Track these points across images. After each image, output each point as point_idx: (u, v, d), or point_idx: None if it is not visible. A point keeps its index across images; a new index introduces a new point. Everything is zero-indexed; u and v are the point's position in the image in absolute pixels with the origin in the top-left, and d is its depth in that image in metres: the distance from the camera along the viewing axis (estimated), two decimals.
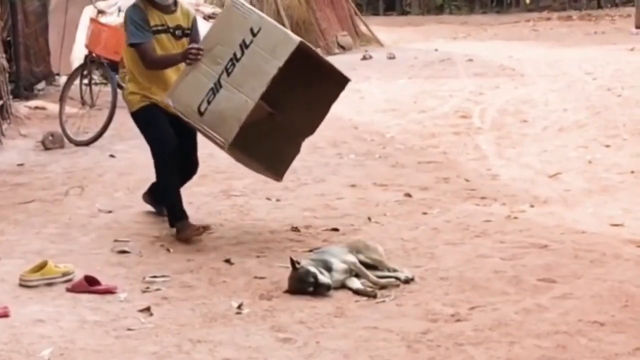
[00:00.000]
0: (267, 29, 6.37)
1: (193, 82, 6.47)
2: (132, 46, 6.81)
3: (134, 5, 6.89)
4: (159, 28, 6.85)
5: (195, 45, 6.59)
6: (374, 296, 5.49)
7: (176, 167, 6.80)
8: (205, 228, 6.68)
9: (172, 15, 6.93)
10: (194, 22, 7.07)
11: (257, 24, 6.37)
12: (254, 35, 6.34)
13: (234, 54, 6.37)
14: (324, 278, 5.54)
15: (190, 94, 6.46)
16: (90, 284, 5.61)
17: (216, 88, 6.39)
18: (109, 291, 5.58)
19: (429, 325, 5.02)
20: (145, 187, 7.51)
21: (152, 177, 7.17)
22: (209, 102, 6.39)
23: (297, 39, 6.33)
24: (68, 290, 5.61)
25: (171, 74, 6.84)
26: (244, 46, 6.36)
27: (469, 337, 4.84)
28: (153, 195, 7.35)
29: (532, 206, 7.52)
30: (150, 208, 7.38)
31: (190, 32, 6.99)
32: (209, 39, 6.55)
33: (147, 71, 6.84)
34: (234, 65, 6.37)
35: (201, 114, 6.41)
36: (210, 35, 6.57)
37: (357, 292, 5.56)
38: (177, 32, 6.95)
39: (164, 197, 6.94)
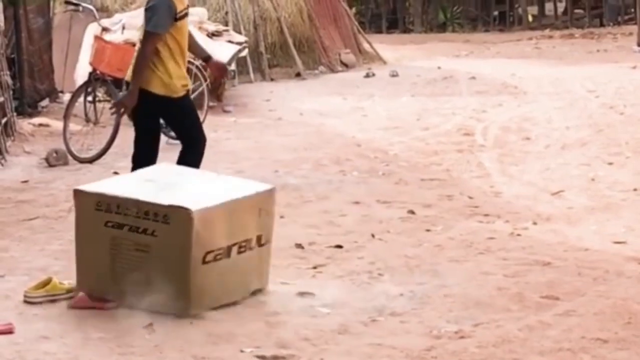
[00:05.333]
0: None
1: None
2: (149, 33, 7.00)
3: None
4: (183, 13, 7.13)
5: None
6: None
7: None
8: None
9: None
10: None
11: None
12: None
13: None
14: None
15: None
16: (92, 299, 5.59)
17: None
18: (104, 307, 5.52)
19: (432, 342, 5.02)
20: None
21: None
22: None
23: None
24: (70, 307, 5.59)
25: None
26: None
27: (473, 354, 4.85)
28: None
29: (535, 223, 7.53)
30: None
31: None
32: None
33: (177, 58, 7.12)
34: None
35: None
36: None
37: None
38: (187, 13, 7.28)
39: None
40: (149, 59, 7.02)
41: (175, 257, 5.47)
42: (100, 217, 5.58)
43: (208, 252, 5.50)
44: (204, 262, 5.49)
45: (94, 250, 5.64)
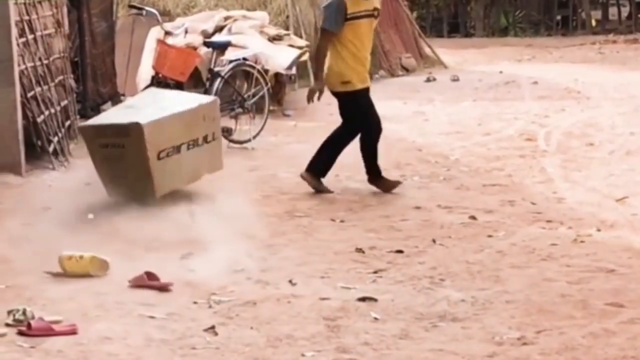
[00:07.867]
0: None
1: None
2: (321, 29, 8.42)
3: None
4: (359, 14, 8.15)
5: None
6: None
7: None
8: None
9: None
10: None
11: None
12: None
13: None
14: None
15: None
16: (150, 279, 6.01)
17: None
18: (164, 287, 5.96)
19: (495, 349, 4.98)
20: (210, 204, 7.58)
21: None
22: None
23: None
24: (130, 283, 6.02)
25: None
26: None
27: None
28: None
29: (598, 230, 7.44)
30: None
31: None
32: None
33: (358, 54, 8.30)
34: None
35: None
36: None
37: None
38: (375, 14, 8.42)
39: (332, 151, 8.73)
40: (325, 52, 8.32)
41: (139, 158, 7.60)
42: (97, 142, 7.85)
43: (161, 151, 7.68)
44: (159, 158, 7.65)
45: (100, 167, 7.86)
